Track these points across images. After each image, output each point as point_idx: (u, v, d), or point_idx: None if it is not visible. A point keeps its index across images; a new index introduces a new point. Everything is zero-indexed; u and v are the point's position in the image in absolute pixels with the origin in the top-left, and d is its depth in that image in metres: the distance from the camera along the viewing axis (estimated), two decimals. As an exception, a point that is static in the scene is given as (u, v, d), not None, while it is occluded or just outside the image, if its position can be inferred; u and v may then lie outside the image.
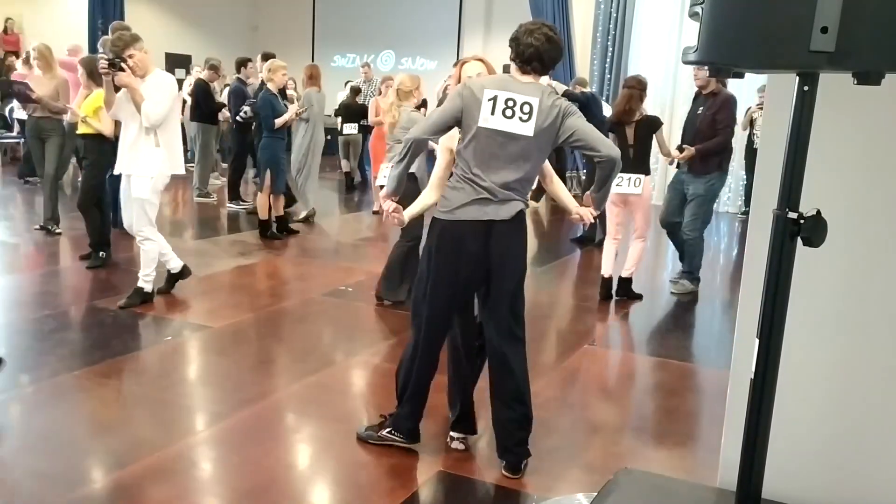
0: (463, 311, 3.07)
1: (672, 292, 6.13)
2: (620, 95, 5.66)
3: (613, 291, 5.79)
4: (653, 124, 5.61)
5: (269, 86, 7.23)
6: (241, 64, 9.07)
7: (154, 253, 4.97)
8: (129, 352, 4.23)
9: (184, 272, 5.29)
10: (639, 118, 5.53)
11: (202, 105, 9.29)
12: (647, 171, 5.63)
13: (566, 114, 2.84)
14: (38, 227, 7.14)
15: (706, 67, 5.70)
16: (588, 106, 7.87)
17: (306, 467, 3.08)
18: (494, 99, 2.78)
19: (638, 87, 5.55)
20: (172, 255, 5.19)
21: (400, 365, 3.13)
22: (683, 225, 5.97)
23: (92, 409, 3.51)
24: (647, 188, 5.66)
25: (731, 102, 5.89)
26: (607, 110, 7.81)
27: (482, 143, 2.81)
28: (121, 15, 13.88)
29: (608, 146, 2.91)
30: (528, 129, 2.80)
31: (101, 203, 6.02)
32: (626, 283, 5.79)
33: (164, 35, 14.86)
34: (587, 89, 8.47)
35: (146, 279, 4.96)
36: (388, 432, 3.13)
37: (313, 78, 8.24)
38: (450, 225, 2.87)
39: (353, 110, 10.57)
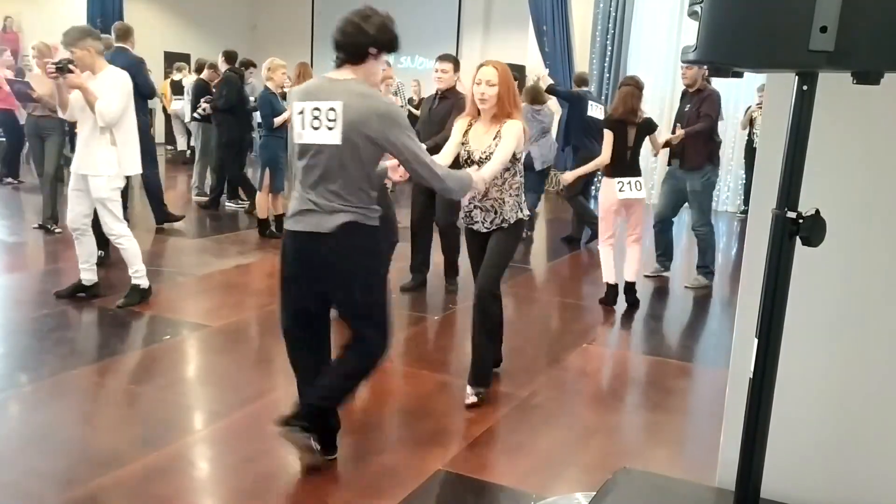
0: (313, 320, 2.97)
1: (687, 286, 6.19)
2: (621, 94, 5.51)
3: (622, 295, 5.57)
4: (651, 126, 5.58)
5: (269, 85, 7.22)
6: (244, 65, 9.01)
7: (134, 248, 4.87)
8: (128, 351, 4.23)
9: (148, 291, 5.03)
10: (640, 119, 5.48)
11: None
12: (640, 173, 5.53)
13: (386, 124, 2.67)
14: (36, 225, 7.13)
15: (695, 66, 5.82)
16: (572, 104, 7.84)
17: (305, 467, 3.08)
18: (302, 112, 2.72)
19: (637, 87, 5.50)
20: (143, 266, 5.00)
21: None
22: (693, 223, 6.17)
23: (90, 408, 3.51)
24: (645, 190, 5.63)
25: (715, 97, 6.10)
26: (597, 111, 7.77)
27: (301, 154, 2.77)
28: (119, 13, 13.87)
29: (434, 176, 2.81)
30: (335, 138, 2.66)
31: None
32: (631, 287, 5.57)
33: (163, 34, 14.86)
34: (584, 88, 8.39)
35: (137, 276, 4.92)
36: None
37: (302, 77, 8.14)
38: (287, 233, 2.85)
39: None
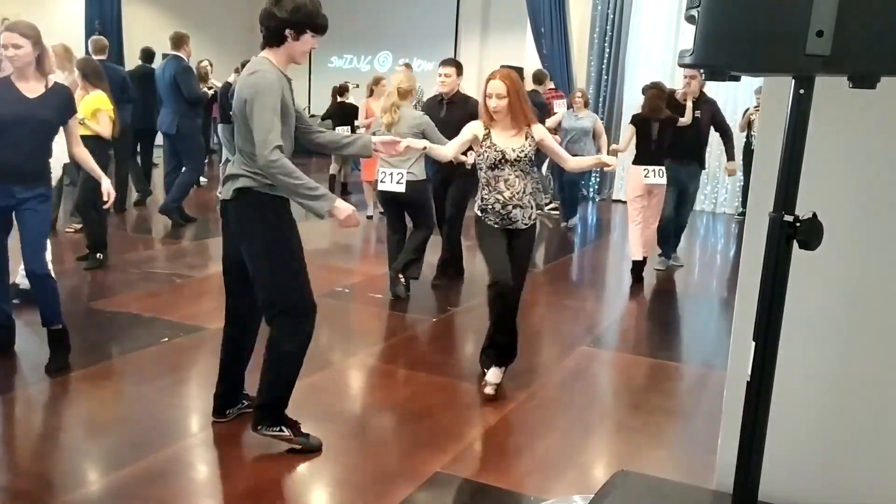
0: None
1: (657, 269, 6.67)
2: (647, 97, 6.27)
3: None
4: (673, 122, 6.24)
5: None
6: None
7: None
8: (126, 353, 4.23)
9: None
10: (663, 117, 6.16)
11: (227, 107, 9.15)
12: (663, 163, 6.26)
13: (250, 95, 2.84)
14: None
15: (699, 78, 6.04)
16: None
17: (303, 468, 3.08)
18: None
19: (661, 90, 6.29)
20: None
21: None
22: (683, 217, 6.72)
23: (89, 411, 3.50)
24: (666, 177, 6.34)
25: (714, 102, 6.64)
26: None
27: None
28: (117, 15, 13.87)
29: (260, 143, 2.81)
30: (235, 107, 2.94)
31: (97, 205, 6.02)
32: (640, 264, 6.28)
33: (161, 36, 14.81)
34: (542, 86, 8.41)
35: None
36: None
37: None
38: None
39: (346, 111, 10.28)
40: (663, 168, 6.17)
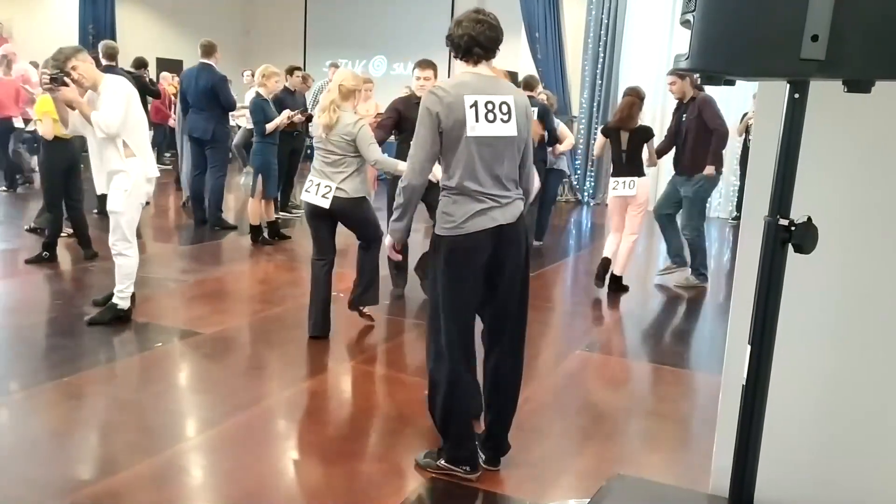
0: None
1: (676, 286, 6.44)
2: (621, 103, 6.09)
3: (607, 277, 6.12)
4: (646, 133, 6.02)
5: (261, 91, 7.22)
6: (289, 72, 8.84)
7: (128, 269, 4.61)
8: (120, 358, 4.21)
9: (128, 313, 4.75)
10: (634, 126, 5.95)
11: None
12: (640, 174, 6.01)
13: (530, 114, 2.91)
14: (28, 227, 7.13)
15: (679, 80, 6.00)
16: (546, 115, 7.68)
17: (298, 473, 3.07)
18: (475, 105, 2.74)
19: (639, 97, 6.00)
20: (131, 289, 4.73)
21: (432, 400, 2.96)
22: (681, 227, 6.46)
23: (82, 416, 3.49)
24: (643, 189, 6.02)
25: (711, 101, 6.20)
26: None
27: (471, 152, 2.75)
28: (111, 19, 13.86)
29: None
30: (511, 129, 2.80)
31: (56, 205, 6.20)
32: (617, 279, 6.15)
33: (155, 40, 14.85)
34: (534, 92, 8.40)
35: (121, 295, 4.64)
36: (445, 463, 2.96)
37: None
38: (462, 239, 2.78)
39: None
40: (634, 179, 5.94)
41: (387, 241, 3.07)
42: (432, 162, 2.84)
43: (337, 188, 4.36)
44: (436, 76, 5.46)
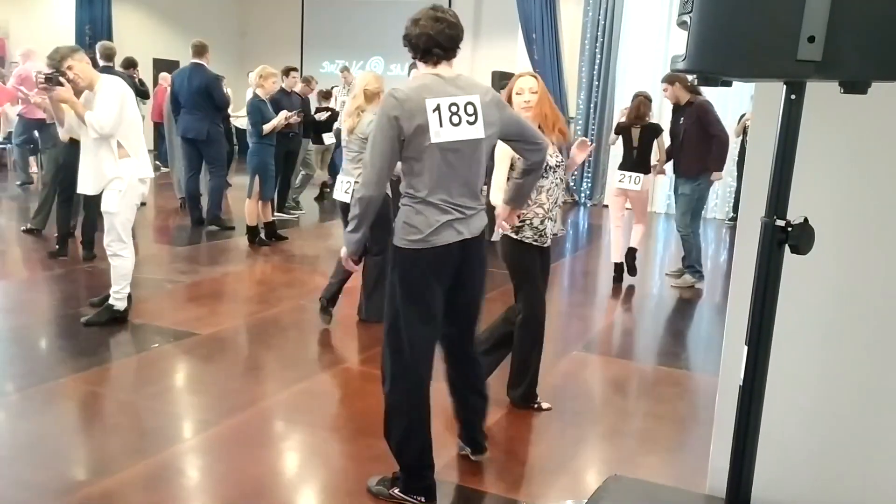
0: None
1: (673, 286, 6.51)
2: (633, 103, 6.43)
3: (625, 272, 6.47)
4: (656, 130, 6.39)
5: (259, 92, 7.21)
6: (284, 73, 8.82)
7: (124, 269, 4.59)
8: (116, 359, 4.20)
9: (124, 314, 4.73)
10: (645, 124, 6.32)
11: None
12: (647, 171, 6.36)
13: (502, 104, 2.77)
14: (24, 228, 7.12)
15: (671, 87, 6.02)
16: None
17: (294, 475, 3.07)
18: (438, 108, 2.56)
19: (647, 98, 6.41)
20: (127, 290, 4.71)
21: (387, 434, 2.79)
22: (676, 224, 6.57)
23: (79, 417, 3.48)
24: (646, 185, 6.41)
25: (710, 106, 6.29)
26: None
27: (437, 160, 2.57)
28: (108, 20, 13.83)
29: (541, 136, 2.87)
30: (478, 131, 2.62)
31: (70, 200, 6.27)
32: (632, 252, 6.46)
33: (152, 41, 14.82)
34: None
35: (117, 296, 4.63)
36: (399, 493, 2.76)
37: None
38: (427, 252, 2.62)
39: (333, 117, 9.95)
40: (640, 175, 6.27)
41: (343, 252, 2.83)
42: (391, 171, 2.64)
43: (356, 183, 4.45)
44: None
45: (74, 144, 5.83)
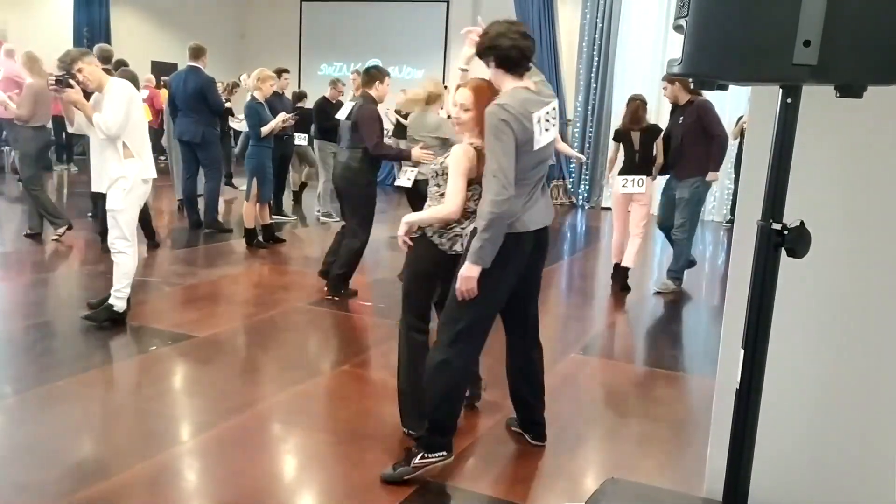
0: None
1: (656, 291, 6.42)
2: (628, 108, 6.34)
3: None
4: (655, 132, 6.30)
5: (256, 94, 7.22)
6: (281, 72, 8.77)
7: (127, 267, 4.59)
8: (114, 361, 4.20)
9: (123, 315, 4.72)
10: (644, 126, 6.23)
11: (322, 123, 8.97)
12: (649, 173, 6.26)
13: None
14: (25, 233, 7.11)
15: (670, 85, 5.96)
16: None
17: (292, 477, 3.07)
18: (539, 119, 2.82)
19: (643, 102, 6.33)
20: (128, 289, 4.70)
21: (430, 385, 2.92)
22: (674, 228, 6.36)
23: (76, 420, 3.47)
24: (650, 188, 6.28)
25: (710, 106, 6.16)
26: None
27: (526, 162, 2.80)
28: (106, 23, 13.82)
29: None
30: (555, 132, 2.94)
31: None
32: (624, 271, 6.34)
33: (151, 43, 14.82)
34: None
35: (118, 295, 4.63)
36: (422, 458, 2.91)
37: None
38: (516, 236, 2.87)
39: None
40: (643, 178, 6.18)
41: (469, 271, 2.78)
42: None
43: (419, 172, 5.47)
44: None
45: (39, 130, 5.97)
